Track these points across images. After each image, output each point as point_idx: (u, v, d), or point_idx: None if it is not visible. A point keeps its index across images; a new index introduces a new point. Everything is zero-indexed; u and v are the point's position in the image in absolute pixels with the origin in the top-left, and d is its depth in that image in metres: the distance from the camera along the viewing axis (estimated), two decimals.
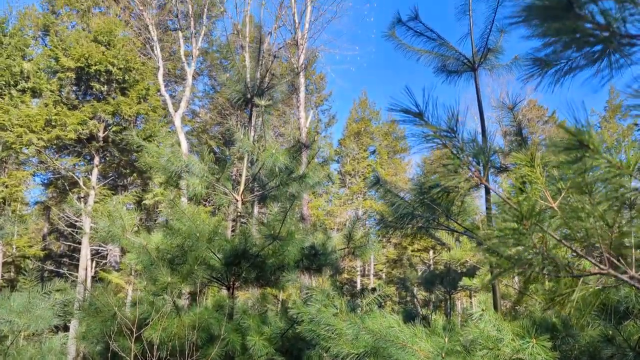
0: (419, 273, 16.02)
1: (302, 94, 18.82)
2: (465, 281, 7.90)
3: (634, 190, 0.94)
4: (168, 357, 4.68)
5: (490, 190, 2.30)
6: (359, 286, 27.80)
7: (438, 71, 4.62)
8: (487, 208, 2.36)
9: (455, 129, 1.37)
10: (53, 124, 19.41)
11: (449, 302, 11.75)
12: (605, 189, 1.00)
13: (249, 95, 6.99)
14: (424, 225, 4.94)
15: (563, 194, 1.52)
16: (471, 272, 8.95)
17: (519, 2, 1.55)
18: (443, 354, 3.02)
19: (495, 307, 3.38)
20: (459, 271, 11.21)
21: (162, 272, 4.97)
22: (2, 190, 18.02)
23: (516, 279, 7.66)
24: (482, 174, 1.59)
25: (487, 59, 4.29)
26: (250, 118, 7.13)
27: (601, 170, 0.94)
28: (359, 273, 33.82)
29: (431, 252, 29.02)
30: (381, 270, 34.02)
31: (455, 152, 1.38)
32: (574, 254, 1.40)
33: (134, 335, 4.37)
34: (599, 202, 1.04)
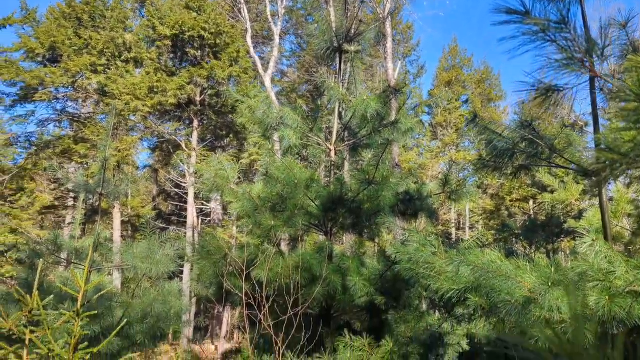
0: (519, 224, 15.39)
1: (389, 45, 18.35)
2: (570, 223, 7.48)
3: None
4: (275, 295, 4.99)
5: (603, 80, 2.15)
6: (454, 238, 27.39)
7: None
8: (592, 107, 2.21)
9: (567, 19, 1.30)
10: (155, 90, 20.76)
11: (551, 252, 11.24)
12: None
13: (336, 44, 6.95)
14: (524, 163, 4.72)
15: None
16: (577, 217, 8.48)
17: None
18: (550, 284, 2.96)
19: (606, 238, 3.23)
20: (562, 220, 10.60)
21: (265, 216, 5.26)
22: (116, 155, 19.73)
23: (625, 222, 7.16)
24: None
25: None
26: (339, 67, 7.09)
27: None
28: (454, 225, 33.27)
29: (531, 202, 27.70)
30: (477, 222, 33.19)
31: (565, 44, 1.31)
32: None
33: (244, 274, 4.71)
34: None
